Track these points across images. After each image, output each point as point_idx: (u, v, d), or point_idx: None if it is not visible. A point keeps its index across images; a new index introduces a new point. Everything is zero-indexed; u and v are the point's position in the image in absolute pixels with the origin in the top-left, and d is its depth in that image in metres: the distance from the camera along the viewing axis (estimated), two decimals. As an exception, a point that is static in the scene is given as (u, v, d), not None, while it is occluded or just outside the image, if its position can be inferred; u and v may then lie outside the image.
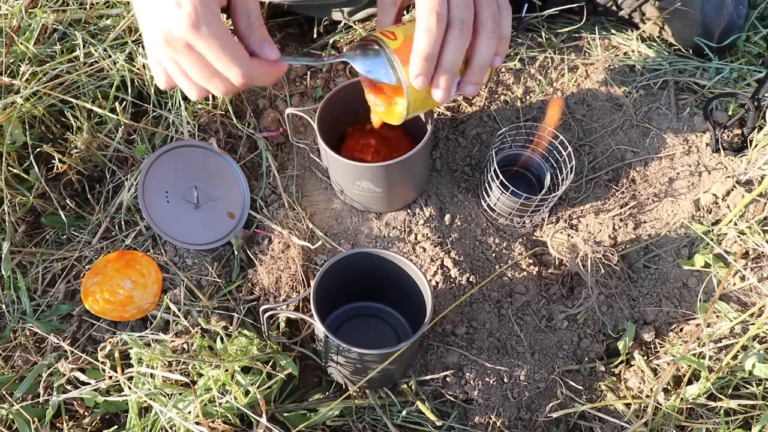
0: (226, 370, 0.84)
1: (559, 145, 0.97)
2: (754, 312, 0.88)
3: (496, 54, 0.72)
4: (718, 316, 0.93)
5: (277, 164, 1.05)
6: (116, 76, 1.02)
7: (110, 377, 0.86)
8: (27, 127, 1.01)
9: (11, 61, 1.03)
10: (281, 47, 1.17)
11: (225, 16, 0.66)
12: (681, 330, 0.95)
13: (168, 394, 0.85)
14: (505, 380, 0.90)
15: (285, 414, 0.89)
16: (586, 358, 0.94)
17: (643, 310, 0.97)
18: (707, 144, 1.06)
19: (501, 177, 0.92)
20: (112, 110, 1.02)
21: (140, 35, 1.08)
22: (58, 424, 0.87)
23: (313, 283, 0.80)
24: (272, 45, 0.67)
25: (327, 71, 1.12)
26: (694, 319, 0.95)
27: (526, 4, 1.10)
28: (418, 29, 0.68)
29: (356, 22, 1.13)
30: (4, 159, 0.97)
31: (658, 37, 1.14)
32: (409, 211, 1.00)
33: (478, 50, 0.71)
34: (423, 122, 0.94)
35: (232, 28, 0.67)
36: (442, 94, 0.71)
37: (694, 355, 0.88)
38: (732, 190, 1.00)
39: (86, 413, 0.88)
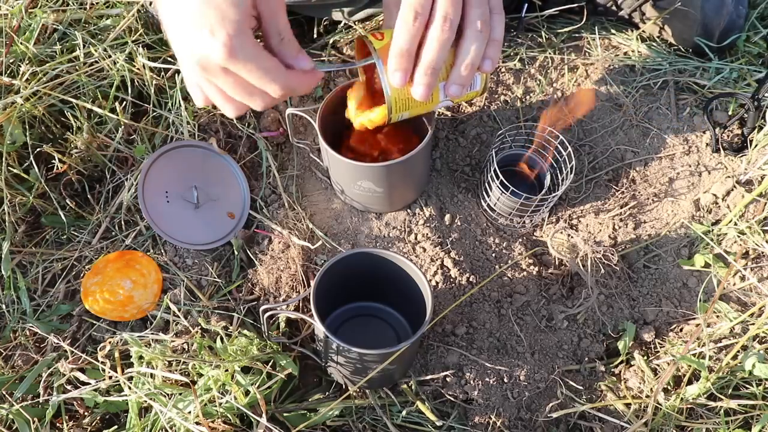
0: (226, 370, 0.84)
1: (559, 145, 0.97)
2: (754, 312, 0.88)
3: (487, 57, 0.71)
4: (718, 316, 0.93)
5: (277, 164, 1.05)
6: (116, 76, 1.02)
7: (110, 377, 0.86)
8: (27, 127, 1.01)
9: (11, 61, 1.03)
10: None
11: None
12: (681, 330, 0.95)
13: (168, 394, 0.84)
14: (505, 380, 0.90)
15: (285, 414, 0.89)
16: (586, 358, 0.94)
17: (643, 310, 0.97)
18: (707, 144, 1.06)
19: (501, 177, 0.92)
20: (112, 110, 1.02)
21: (140, 35, 1.08)
22: (58, 424, 0.87)
23: (313, 283, 0.80)
24: (305, 55, 0.68)
25: (327, 71, 1.12)
26: (694, 319, 0.95)
27: (526, 4, 1.10)
28: (397, 25, 0.67)
29: (356, 22, 1.13)
30: (4, 159, 0.97)
31: (658, 37, 1.14)
32: (409, 211, 1.00)
33: (463, 49, 0.70)
34: (424, 123, 0.94)
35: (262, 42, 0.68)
36: (420, 90, 0.70)
37: (694, 355, 0.88)
38: (732, 190, 1.01)
39: (86, 413, 0.88)
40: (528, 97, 1.10)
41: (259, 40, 0.66)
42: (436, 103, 0.76)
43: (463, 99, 0.79)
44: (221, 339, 0.86)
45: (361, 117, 0.82)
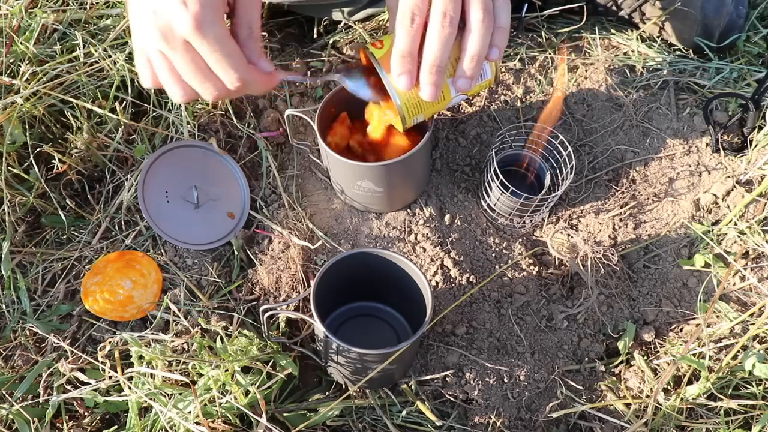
0: (226, 370, 0.84)
1: (559, 145, 0.97)
2: (754, 312, 0.88)
3: (494, 45, 0.70)
4: (718, 316, 0.93)
5: (277, 164, 1.05)
6: (116, 76, 1.02)
7: (110, 377, 0.86)
8: (27, 127, 1.01)
9: (11, 61, 1.03)
10: (281, 46, 1.17)
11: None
12: (681, 330, 0.95)
13: (168, 394, 0.84)
14: (505, 380, 0.90)
15: (285, 414, 0.89)
16: (586, 358, 0.94)
17: (643, 310, 0.97)
18: (707, 144, 1.06)
19: (501, 177, 0.92)
20: (112, 110, 1.02)
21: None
22: (58, 424, 0.87)
23: (313, 283, 0.80)
24: (267, 59, 0.68)
25: (327, 71, 1.12)
26: (694, 319, 0.95)
27: (526, 4, 1.10)
28: (396, 28, 0.67)
29: (356, 22, 1.13)
30: (4, 159, 0.97)
31: (658, 37, 1.14)
32: (409, 211, 1.00)
33: (467, 40, 0.68)
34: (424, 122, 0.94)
35: None
36: (428, 90, 0.69)
37: (694, 355, 0.88)
38: (732, 190, 1.00)
39: (86, 413, 0.88)
40: (528, 97, 1.10)
41: None
42: (448, 100, 0.75)
43: (475, 91, 0.78)
44: (221, 339, 0.86)
45: (379, 129, 0.82)
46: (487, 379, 0.89)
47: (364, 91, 0.76)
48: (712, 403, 0.85)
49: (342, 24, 1.14)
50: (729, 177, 1.01)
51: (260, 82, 0.67)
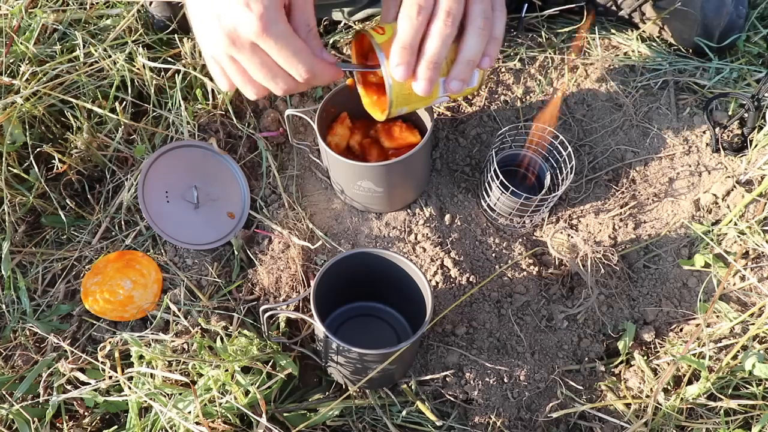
0: (226, 370, 0.84)
1: (559, 145, 0.97)
2: (754, 312, 0.88)
3: (486, 55, 0.71)
4: (718, 316, 0.93)
5: (277, 164, 1.05)
6: (116, 76, 1.02)
7: (110, 377, 0.86)
8: (27, 127, 1.01)
9: (11, 61, 1.03)
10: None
11: None
12: (681, 330, 0.95)
13: (168, 394, 0.84)
14: (505, 380, 0.90)
15: (285, 414, 0.89)
16: (586, 358, 0.94)
17: (643, 310, 0.97)
18: (707, 144, 1.06)
19: (501, 177, 0.92)
20: (112, 110, 1.02)
21: (140, 35, 1.08)
22: (58, 424, 0.87)
23: (313, 283, 0.80)
24: (327, 52, 0.70)
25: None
26: (694, 319, 0.95)
27: (526, 4, 1.10)
28: (400, 18, 0.67)
29: (356, 22, 1.13)
30: (4, 159, 0.97)
31: (658, 37, 1.14)
32: (409, 211, 1.00)
33: (465, 45, 0.70)
34: (423, 122, 0.95)
35: None
36: (422, 85, 0.70)
37: (694, 355, 0.88)
38: (732, 190, 1.00)
39: (86, 413, 0.88)
40: (528, 97, 1.10)
41: None
42: (434, 98, 0.76)
43: (459, 95, 0.79)
44: (221, 339, 0.86)
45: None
46: (487, 379, 0.89)
47: None
48: (712, 403, 0.85)
49: (342, 24, 1.14)
50: (729, 177, 1.01)
51: (327, 73, 0.69)
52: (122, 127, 1.02)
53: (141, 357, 0.85)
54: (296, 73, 0.66)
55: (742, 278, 0.96)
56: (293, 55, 0.65)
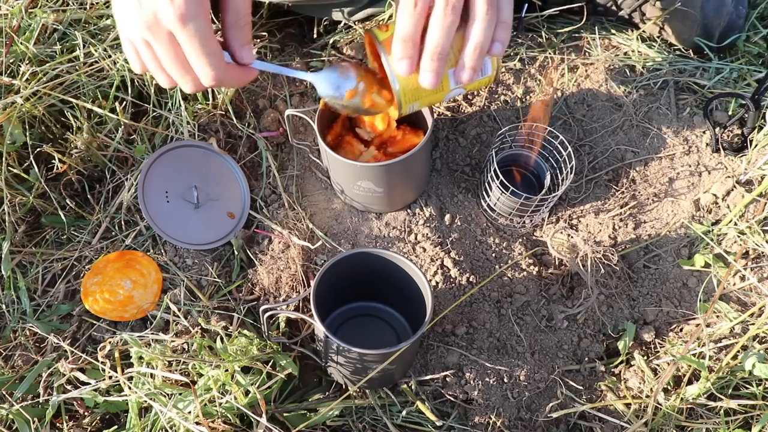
0: (226, 370, 0.84)
1: (559, 145, 0.97)
2: (754, 312, 0.88)
3: (496, 40, 0.69)
4: (718, 316, 0.93)
5: (277, 164, 1.05)
6: (116, 76, 1.02)
7: (110, 377, 0.86)
8: (27, 127, 1.01)
9: (11, 61, 1.03)
10: (281, 46, 1.17)
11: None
12: (681, 330, 0.95)
13: (168, 394, 0.85)
14: (505, 380, 0.90)
15: (285, 414, 0.89)
16: (586, 358, 0.94)
17: (643, 310, 0.97)
18: (707, 144, 1.06)
19: (501, 177, 0.92)
20: (112, 110, 1.02)
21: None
22: (58, 424, 0.87)
23: (313, 283, 0.80)
24: (251, 49, 0.68)
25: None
26: (694, 319, 0.95)
27: (526, 4, 1.10)
28: (399, 12, 0.66)
29: (356, 22, 1.13)
30: (4, 159, 0.97)
31: (658, 37, 1.14)
32: (409, 211, 1.00)
33: (470, 32, 0.68)
34: (424, 122, 0.94)
35: (216, 25, 0.68)
36: (428, 77, 0.68)
37: (694, 355, 0.88)
38: (732, 190, 1.00)
39: (86, 413, 0.88)
40: (528, 97, 1.10)
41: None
42: (447, 91, 0.74)
43: (475, 86, 0.78)
44: (221, 339, 0.86)
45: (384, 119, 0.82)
46: (487, 379, 0.89)
47: (346, 84, 0.75)
48: (712, 403, 0.85)
49: (342, 24, 1.14)
50: (729, 177, 1.01)
51: (236, 78, 0.69)
52: (122, 127, 1.02)
53: (141, 357, 0.85)
54: (203, 75, 0.66)
55: (742, 278, 0.96)
56: (204, 57, 0.64)
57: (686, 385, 0.86)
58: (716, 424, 0.84)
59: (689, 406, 0.86)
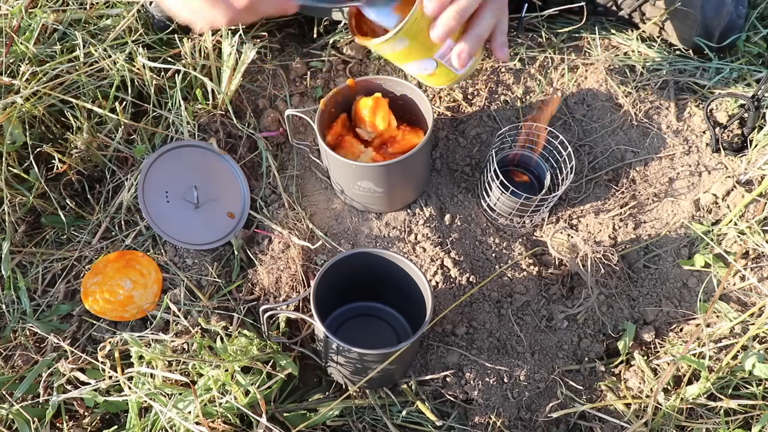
0: (226, 370, 0.84)
1: (559, 145, 0.97)
2: (754, 312, 0.88)
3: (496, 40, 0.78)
4: (718, 316, 0.93)
5: (277, 164, 1.05)
6: (116, 76, 1.02)
7: (110, 377, 0.86)
8: (27, 127, 1.01)
9: (11, 61, 1.03)
10: (281, 46, 1.17)
11: None
12: (681, 330, 0.95)
13: (168, 394, 0.84)
14: (505, 380, 0.90)
15: (285, 414, 0.89)
16: (586, 358, 0.94)
17: (643, 310, 0.97)
18: (707, 144, 1.06)
19: (501, 177, 0.92)
20: (112, 110, 1.02)
21: (140, 35, 1.08)
22: (58, 424, 0.87)
23: (313, 283, 0.80)
24: None
25: (327, 71, 1.12)
26: (694, 319, 0.95)
27: (526, 4, 1.10)
28: None
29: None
30: (4, 159, 0.97)
31: (658, 37, 1.14)
32: (409, 211, 1.00)
33: (480, 19, 0.75)
34: (425, 122, 0.94)
35: None
36: (439, 30, 0.73)
37: (694, 355, 0.88)
38: (732, 190, 1.00)
39: (86, 413, 0.88)
40: (528, 97, 1.10)
41: None
42: (424, 58, 0.79)
43: (443, 77, 0.83)
44: (221, 339, 0.86)
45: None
46: (487, 379, 0.89)
47: (389, 19, 0.79)
48: (712, 403, 0.85)
49: (342, 24, 1.14)
50: (729, 177, 1.01)
51: (271, 5, 0.72)
52: (122, 127, 1.02)
53: (141, 357, 0.85)
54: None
55: (742, 278, 0.96)
56: None
57: (686, 385, 0.86)
58: (716, 424, 0.84)
59: (689, 406, 0.87)
